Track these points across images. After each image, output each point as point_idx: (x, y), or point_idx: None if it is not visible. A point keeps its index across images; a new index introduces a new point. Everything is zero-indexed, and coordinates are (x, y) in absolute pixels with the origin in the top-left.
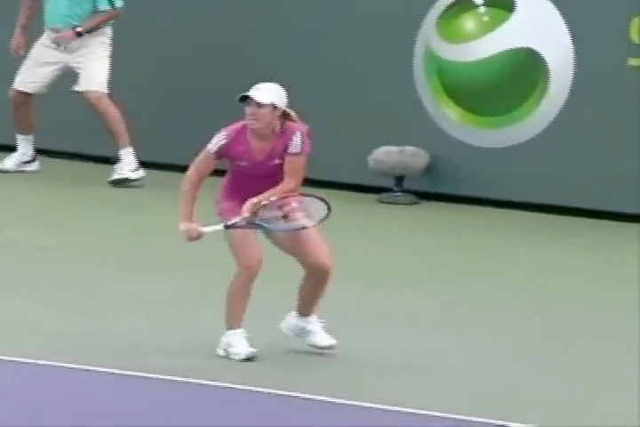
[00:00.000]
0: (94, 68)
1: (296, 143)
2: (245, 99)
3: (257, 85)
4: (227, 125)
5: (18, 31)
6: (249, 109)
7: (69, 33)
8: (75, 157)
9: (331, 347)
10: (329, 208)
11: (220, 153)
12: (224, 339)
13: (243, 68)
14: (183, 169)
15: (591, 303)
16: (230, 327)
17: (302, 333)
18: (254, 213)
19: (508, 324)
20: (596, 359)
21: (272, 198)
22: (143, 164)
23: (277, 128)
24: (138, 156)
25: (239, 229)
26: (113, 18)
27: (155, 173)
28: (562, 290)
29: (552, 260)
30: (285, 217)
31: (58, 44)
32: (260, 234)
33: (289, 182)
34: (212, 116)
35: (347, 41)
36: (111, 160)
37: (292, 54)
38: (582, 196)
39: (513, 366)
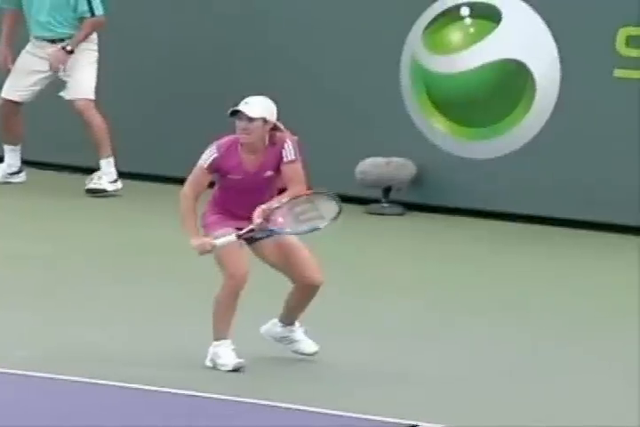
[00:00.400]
0: (81, 75)
1: (289, 151)
2: (236, 113)
3: (247, 99)
4: (215, 138)
5: (2, 45)
6: (240, 124)
7: (60, 53)
8: (62, 169)
9: (315, 353)
10: (339, 206)
11: (213, 167)
12: (211, 349)
13: (230, 79)
14: (167, 180)
15: (573, 313)
16: (217, 338)
17: (285, 340)
18: (266, 220)
19: (495, 334)
20: (590, 369)
21: (283, 200)
22: (124, 174)
23: (267, 140)
24: (118, 166)
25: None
26: (98, 27)
27: (138, 183)
28: (544, 301)
29: (538, 271)
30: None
31: (53, 67)
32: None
33: (295, 188)
34: (197, 128)
35: (333, 53)
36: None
37: (278, 67)
38: (569, 206)
39: (507, 376)
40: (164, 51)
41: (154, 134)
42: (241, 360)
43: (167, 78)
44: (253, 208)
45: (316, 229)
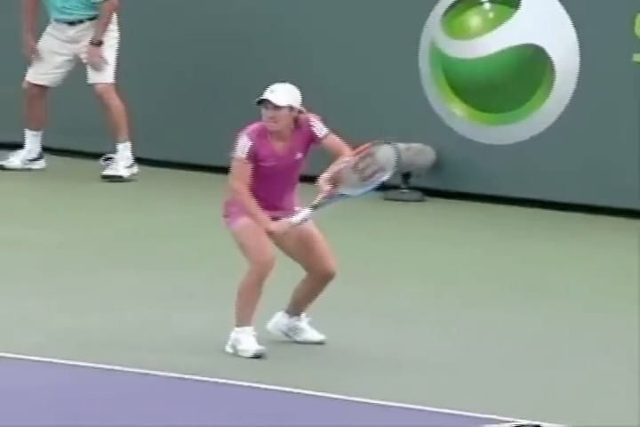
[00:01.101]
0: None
1: (319, 127)
2: (262, 101)
3: (272, 87)
4: (232, 125)
5: (27, 36)
6: (268, 113)
7: (91, 49)
8: (79, 155)
9: (322, 342)
10: (397, 152)
11: (250, 156)
12: (233, 335)
13: (251, 66)
14: (183, 166)
15: (598, 300)
16: (240, 324)
17: (292, 330)
18: (334, 185)
19: (513, 320)
20: (597, 357)
21: (346, 159)
22: (141, 160)
23: (292, 125)
24: (135, 152)
25: (250, 226)
26: (113, 10)
27: (155, 169)
28: (567, 286)
29: (558, 257)
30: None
31: (94, 65)
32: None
33: (346, 152)
34: (213, 115)
35: (352, 39)
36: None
37: (296, 53)
38: (589, 192)
39: (513, 363)
40: (185, 36)
41: (170, 120)
42: (262, 347)
43: (186, 64)
44: (280, 194)
45: (381, 182)
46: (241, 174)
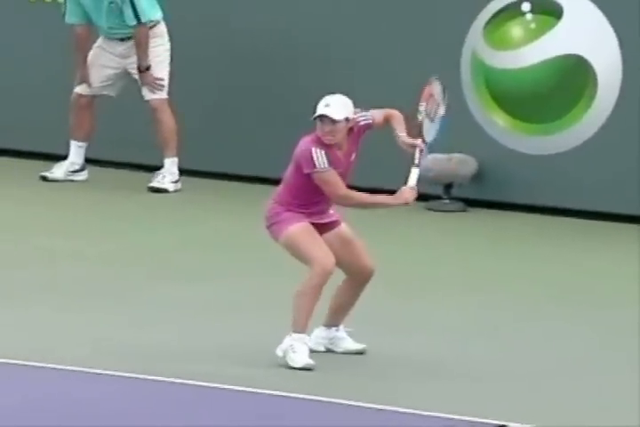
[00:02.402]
0: (153, 70)
1: (364, 118)
2: (319, 116)
3: (326, 100)
4: (275, 137)
5: (82, 66)
6: (325, 127)
7: (144, 76)
8: (124, 167)
9: (363, 351)
10: (442, 84)
11: (330, 163)
12: (287, 340)
13: (290, 79)
14: (227, 177)
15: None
16: (296, 330)
17: (333, 342)
18: (422, 137)
19: (556, 331)
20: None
21: (420, 108)
22: (185, 171)
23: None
24: (180, 163)
25: (305, 231)
26: (146, 35)
27: (199, 180)
28: (609, 296)
29: (602, 266)
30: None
31: (148, 88)
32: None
33: (391, 112)
34: (257, 127)
35: (393, 51)
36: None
37: (339, 65)
38: (631, 203)
39: (555, 374)
40: (230, 51)
41: (215, 132)
42: (312, 362)
43: (229, 76)
44: (330, 200)
45: (443, 117)
46: (338, 181)
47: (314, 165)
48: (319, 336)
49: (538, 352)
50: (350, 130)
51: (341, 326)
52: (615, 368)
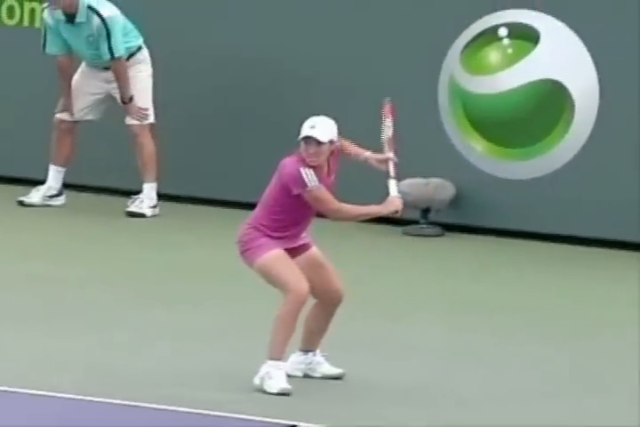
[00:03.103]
0: (136, 98)
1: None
2: (305, 140)
3: (311, 122)
4: (253, 160)
5: (66, 94)
6: (310, 149)
7: (128, 107)
8: (102, 191)
9: (341, 375)
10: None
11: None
12: (264, 368)
13: (273, 102)
14: (205, 202)
15: (617, 334)
16: (273, 358)
17: (310, 367)
18: (394, 151)
19: (531, 355)
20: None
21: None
22: (163, 196)
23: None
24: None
25: (280, 256)
26: (124, 69)
27: (177, 205)
28: (588, 321)
29: (579, 292)
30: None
31: (139, 119)
32: None
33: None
34: (236, 151)
35: (370, 72)
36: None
37: (320, 87)
38: (610, 227)
39: (534, 397)
40: (212, 74)
41: (193, 157)
42: (289, 387)
43: (209, 100)
44: (306, 224)
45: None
46: (329, 197)
47: (305, 185)
48: (296, 362)
49: (516, 375)
50: (331, 152)
51: (318, 351)
52: (601, 390)
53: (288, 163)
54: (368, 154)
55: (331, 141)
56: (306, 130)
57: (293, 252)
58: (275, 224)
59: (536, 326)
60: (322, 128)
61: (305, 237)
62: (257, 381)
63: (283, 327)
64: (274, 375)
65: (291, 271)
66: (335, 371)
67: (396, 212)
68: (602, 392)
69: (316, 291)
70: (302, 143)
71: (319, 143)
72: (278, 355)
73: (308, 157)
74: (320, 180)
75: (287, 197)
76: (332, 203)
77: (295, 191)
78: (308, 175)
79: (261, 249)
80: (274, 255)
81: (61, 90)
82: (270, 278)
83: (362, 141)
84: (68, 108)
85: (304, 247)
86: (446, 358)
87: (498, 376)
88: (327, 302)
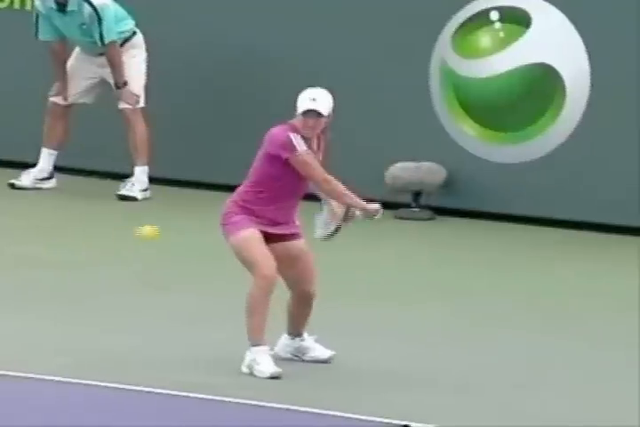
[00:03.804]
0: (129, 83)
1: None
2: (307, 113)
3: (312, 95)
4: (244, 144)
5: (61, 79)
6: (309, 122)
7: (122, 92)
8: (93, 175)
9: (330, 359)
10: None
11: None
12: (248, 355)
13: (262, 86)
14: (197, 186)
15: (609, 320)
16: (254, 343)
17: (300, 351)
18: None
19: (520, 339)
20: (601, 369)
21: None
22: (155, 179)
23: None
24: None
25: (252, 238)
26: (118, 53)
27: (169, 189)
28: (575, 305)
29: (568, 275)
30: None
31: (132, 104)
32: None
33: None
34: (227, 135)
35: (362, 57)
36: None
37: (307, 73)
38: (600, 211)
39: (524, 383)
40: (203, 59)
41: (184, 140)
42: (279, 369)
43: (200, 85)
44: (290, 209)
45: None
46: (318, 165)
47: (294, 149)
48: (284, 344)
49: (507, 360)
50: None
51: (306, 335)
52: (595, 375)
53: (276, 130)
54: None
55: (328, 115)
56: (306, 102)
57: (275, 238)
58: (256, 199)
59: (529, 312)
60: (322, 101)
61: (293, 227)
62: (245, 369)
63: (252, 312)
64: (260, 360)
65: (259, 254)
66: (325, 355)
67: (376, 211)
68: (604, 381)
69: (288, 283)
70: (301, 116)
71: (319, 115)
72: (257, 340)
73: (304, 129)
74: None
75: (272, 167)
76: (319, 172)
77: (284, 155)
78: (298, 140)
79: (236, 226)
80: (247, 235)
81: (55, 74)
82: (240, 257)
83: (350, 129)
84: (61, 92)
85: (290, 237)
86: (433, 342)
87: (492, 362)
88: (297, 298)
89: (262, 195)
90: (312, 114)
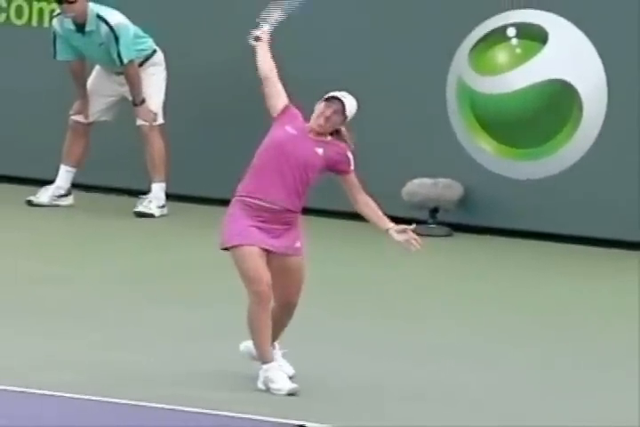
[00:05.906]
0: (147, 100)
1: (350, 161)
2: (331, 98)
3: (342, 93)
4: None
5: (81, 98)
6: (327, 111)
7: (139, 110)
8: (111, 192)
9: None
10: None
11: (285, 110)
12: (262, 374)
13: None
14: (213, 202)
15: (612, 335)
16: (264, 361)
17: None
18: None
19: (541, 356)
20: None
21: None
22: (172, 196)
23: (329, 137)
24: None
25: (249, 252)
26: (136, 73)
27: (186, 205)
28: (596, 322)
29: (587, 293)
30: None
31: (147, 121)
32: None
33: (361, 196)
34: (239, 151)
35: (379, 73)
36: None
37: (322, 88)
38: (618, 227)
39: (536, 397)
40: (203, 74)
41: (201, 157)
42: (295, 386)
43: (217, 103)
44: (279, 186)
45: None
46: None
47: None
48: (251, 347)
49: (520, 375)
50: (333, 142)
51: (277, 346)
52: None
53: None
54: (391, 226)
55: (346, 117)
56: (336, 93)
57: (277, 254)
58: (252, 186)
59: (546, 327)
60: (350, 102)
61: (295, 242)
62: (261, 386)
63: (253, 330)
64: (274, 378)
65: (252, 269)
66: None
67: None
68: (609, 391)
69: (274, 293)
70: (323, 102)
71: (337, 112)
72: (267, 357)
73: (318, 117)
74: (292, 127)
75: (268, 142)
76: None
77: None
78: (291, 108)
79: (237, 237)
80: (246, 252)
81: (76, 93)
82: (238, 269)
83: (367, 145)
84: (82, 110)
85: (292, 252)
86: (456, 357)
87: (506, 376)
88: (279, 305)
89: (258, 181)
90: (335, 101)
